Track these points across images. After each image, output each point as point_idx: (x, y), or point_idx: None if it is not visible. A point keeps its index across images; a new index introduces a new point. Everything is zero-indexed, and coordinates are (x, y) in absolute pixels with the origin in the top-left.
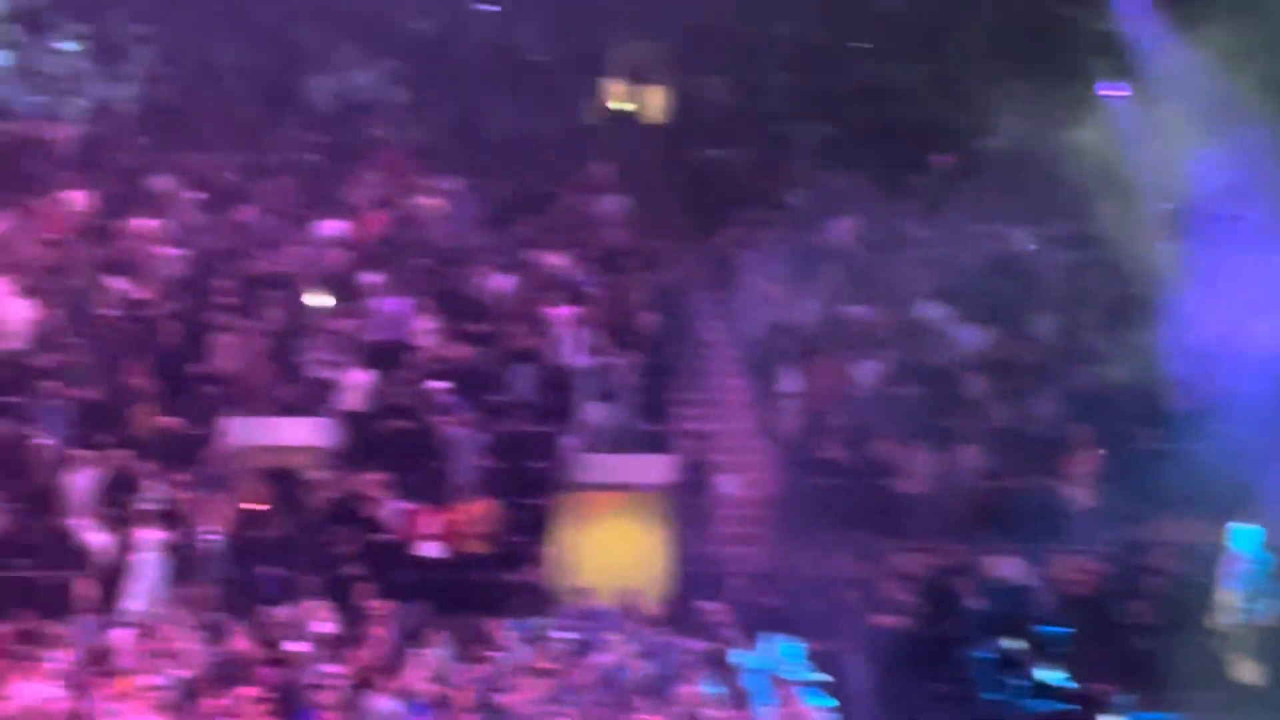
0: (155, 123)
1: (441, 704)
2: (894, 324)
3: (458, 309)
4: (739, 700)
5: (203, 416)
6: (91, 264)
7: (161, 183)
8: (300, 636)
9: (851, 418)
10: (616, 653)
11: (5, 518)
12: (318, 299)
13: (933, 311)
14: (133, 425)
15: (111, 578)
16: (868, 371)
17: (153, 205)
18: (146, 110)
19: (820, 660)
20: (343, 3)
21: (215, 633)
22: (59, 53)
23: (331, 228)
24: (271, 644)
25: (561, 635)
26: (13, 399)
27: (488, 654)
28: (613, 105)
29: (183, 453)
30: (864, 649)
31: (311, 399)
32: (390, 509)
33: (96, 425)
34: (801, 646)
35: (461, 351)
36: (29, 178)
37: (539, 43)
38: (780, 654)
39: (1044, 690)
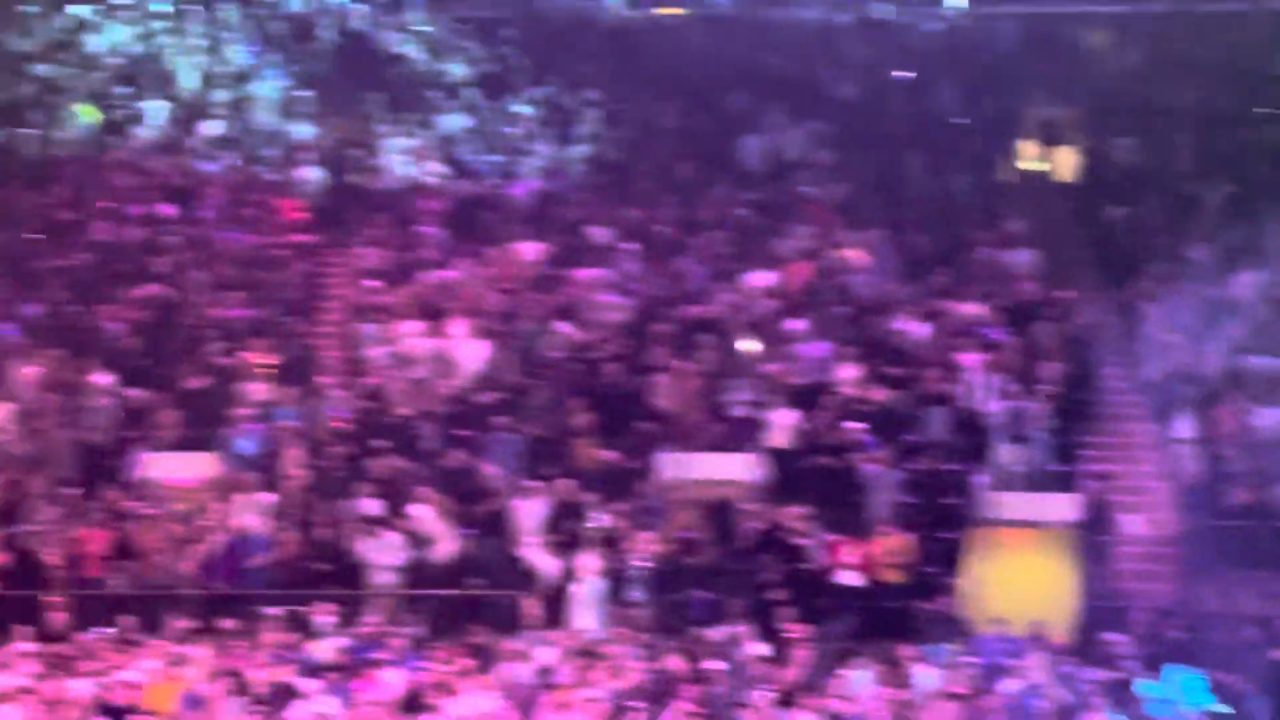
0: (599, 180)
1: None
2: None
3: (876, 354)
4: None
5: (640, 451)
6: (540, 310)
7: (604, 235)
8: (727, 657)
9: (1252, 462)
10: (1025, 680)
11: (460, 541)
12: (747, 344)
13: None
14: (575, 458)
15: (556, 598)
16: (1268, 418)
17: (596, 256)
18: (592, 169)
19: (1221, 693)
20: (772, 70)
21: (649, 651)
22: (514, 116)
23: (760, 278)
24: (700, 663)
25: (972, 662)
26: (467, 433)
27: (903, 678)
28: (1025, 165)
29: (621, 484)
30: (1264, 684)
31: (740, 436)
32: (812, 539)
33: (542, 458)
34: (1203, 679)
35: (879, 394)
36: (485, 230)
37: (956, 106)
38: (1183, 686)
39: None
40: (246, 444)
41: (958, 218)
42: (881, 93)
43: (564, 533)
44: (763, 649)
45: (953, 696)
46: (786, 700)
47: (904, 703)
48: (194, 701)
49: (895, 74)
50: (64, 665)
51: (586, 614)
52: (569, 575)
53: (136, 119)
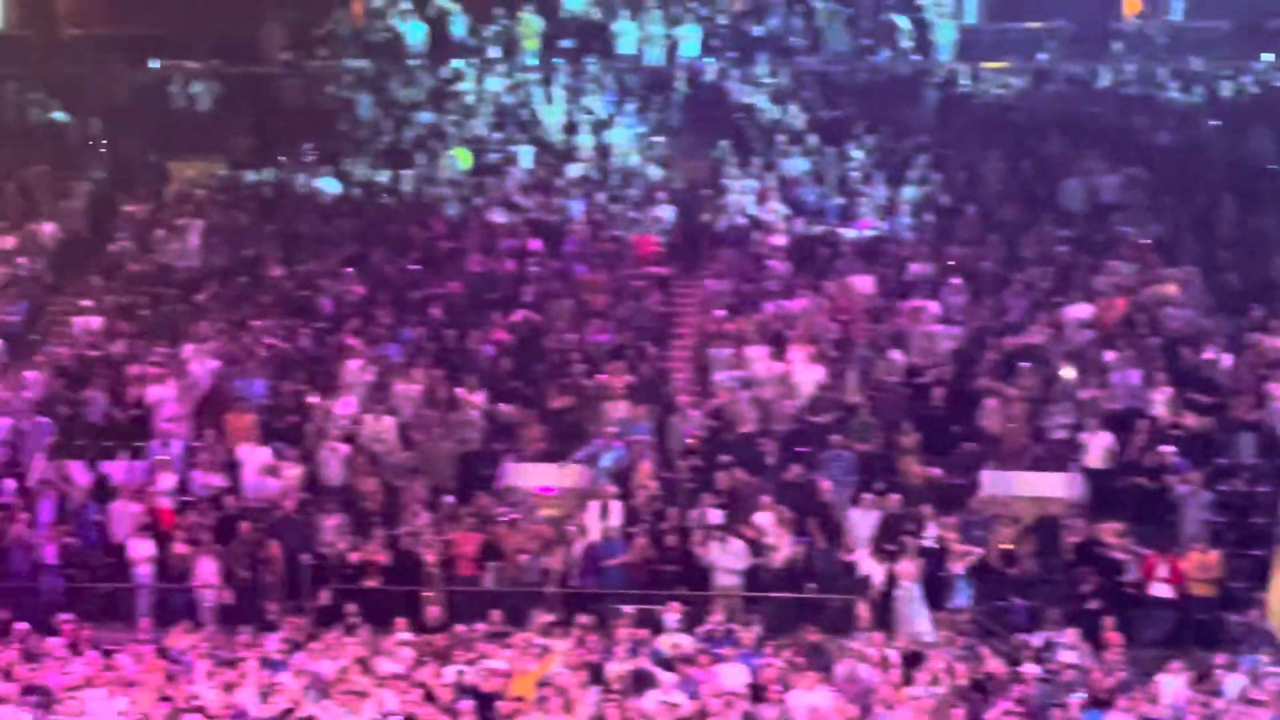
0: (928, 219)
1: None
2: None
3: (1188, 383)
4: None
5: (966, 469)
6: (873, 338)
7: (933, 271)
8: (1046, 662)
9: None
10: None
11: (797, 548)
12: (1065, 371)
13: None
14: (904, 474)
15: (884, 603)
16: None
17: (925, 290)
18: (921, 209)
19: None
20: (1091, 118)
21: (971, 654)
22: (850, 161)
23: (1078, 310)
24: (1020, 666)
25: (1277, 672)
26: (805, 449)
27: (1213, 685)
28: None
29: (948, 499)
30: None
31: (1059, 456)
32: (1128, 554)
33: (874, 473)
34: None
35: (1190, 420)
36: (823, 265)
37: (1267, 153)
38: None
39: None
40: (605, 457)
41: (1267, 256)
42: (1195, 140)
43: (893, 542)
44: (1080, 655)
45: (1260, 704)
46: (1102, 703)
47: (1213, 709)
48: (554, 690)
49: (1209, 122)
50: (439, 655)
51: (913, 618)
52: (896, 582)
53: (508, 161)
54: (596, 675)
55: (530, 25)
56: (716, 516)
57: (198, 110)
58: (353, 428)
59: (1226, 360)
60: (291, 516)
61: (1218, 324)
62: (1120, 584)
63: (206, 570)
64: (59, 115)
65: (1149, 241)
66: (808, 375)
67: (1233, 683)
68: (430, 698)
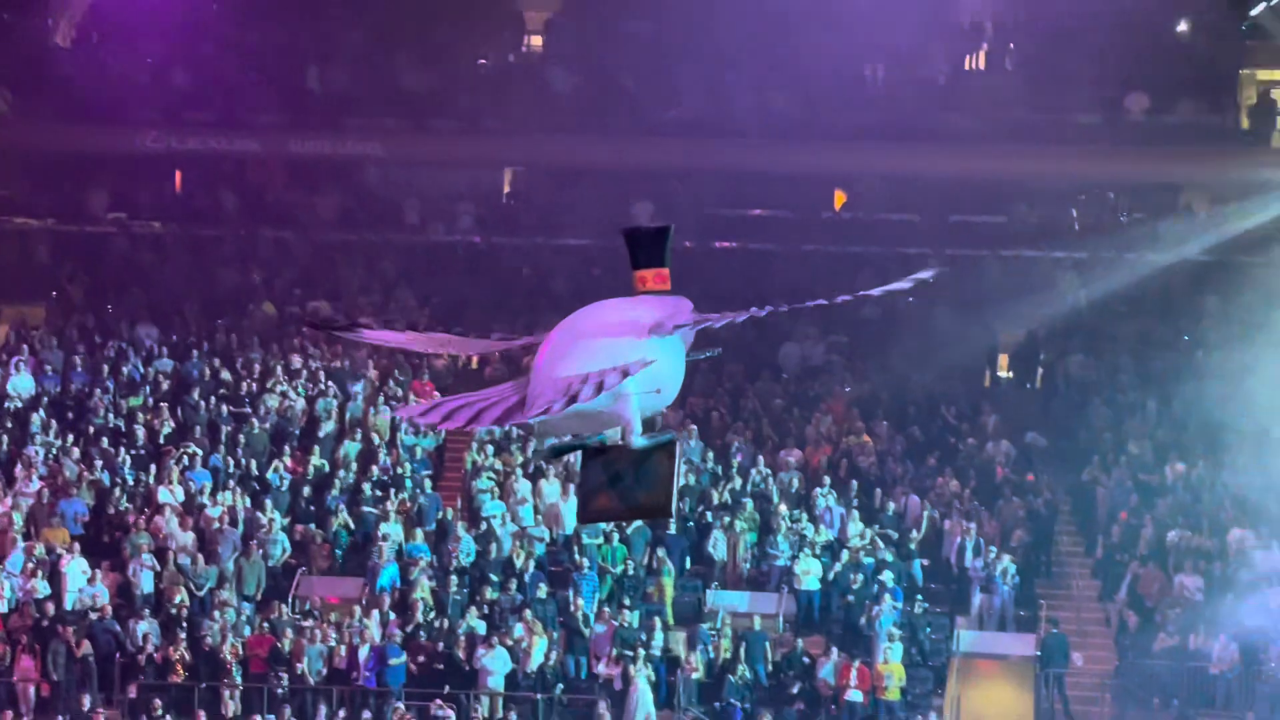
0: None
1: None
2: None
3: (879, 519)
4: None
5: (694, 588)
6: None
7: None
8: None
9: None
10: None
11: (549, 655)
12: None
13: None
14: (647, 593)
15: (620, 702)
16: None
17: None
18: None
19: None
20: (809, 293)
21: None
22: None
23: (791, 454)
24: None
25: None
26: (558, 570)
27: None
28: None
29: (680, 614)
30: None
31: (775, 580)
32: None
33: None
34: None
35: (882, 550)
36: None
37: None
38: None
39: None
40: (384, 573)
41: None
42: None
43: (630, 650)
44: None
45: None
46: None
47: None
48: None
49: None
50: None
51: (642, 717)
52: (631, 684)
53: None
54: None
55: None
56: (482, 627)
57: None
58: (164, 543)
59: (914, 501)
60: (106, 620)
61: (905, 470)
62: (819, 689)
63: (26, 666)
64: None
65: (850, 398)
66: (565, 505)
67: None
68: None
